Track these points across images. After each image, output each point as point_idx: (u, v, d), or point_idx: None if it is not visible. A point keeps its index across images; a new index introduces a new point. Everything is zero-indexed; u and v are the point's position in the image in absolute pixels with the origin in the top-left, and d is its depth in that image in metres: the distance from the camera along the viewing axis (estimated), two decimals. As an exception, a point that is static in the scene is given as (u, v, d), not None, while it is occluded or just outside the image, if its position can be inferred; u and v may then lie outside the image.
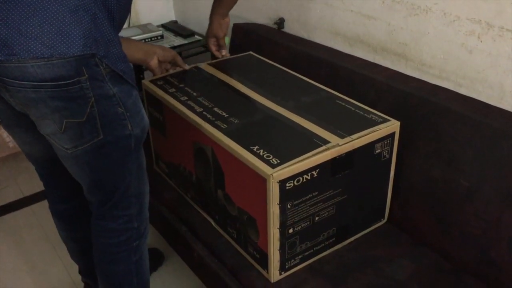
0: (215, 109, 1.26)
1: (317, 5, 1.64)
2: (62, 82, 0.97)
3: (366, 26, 1.50)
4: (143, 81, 1.46)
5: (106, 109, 1.04)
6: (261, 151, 1.08)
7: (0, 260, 1.86)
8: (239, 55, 1.64)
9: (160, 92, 1.37)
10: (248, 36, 1.83)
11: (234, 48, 1.85)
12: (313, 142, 1.10)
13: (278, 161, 1.05)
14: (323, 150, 1.08)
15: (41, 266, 1.81)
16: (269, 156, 1.06)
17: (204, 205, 1.37)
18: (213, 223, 1.35)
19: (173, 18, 2.51)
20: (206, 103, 1.29)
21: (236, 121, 1.20)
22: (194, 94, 1.34)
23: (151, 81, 1.43)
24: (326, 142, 1.11)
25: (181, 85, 1.39)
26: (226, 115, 1.23)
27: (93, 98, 1.01)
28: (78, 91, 0.99)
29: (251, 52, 1.64)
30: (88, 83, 0.99)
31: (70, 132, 1.05)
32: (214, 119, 1.22)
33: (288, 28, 1.81)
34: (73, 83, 0.98)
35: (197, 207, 1.41)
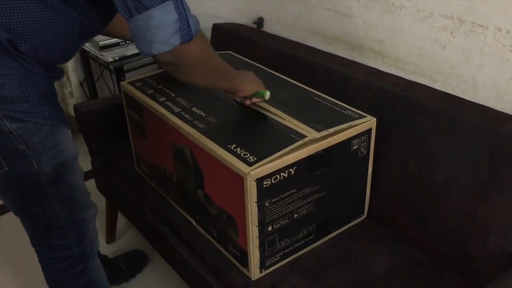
0: (193, 109, 1.27)
1: (295, 5, 1.65)
2: None
3: (343, 24, 1.51)
4: (121, 83, 1.46)
5: (5, 145, 1.03)
6: (238, 149, 1.09)
7: (-17, 266, 1.85)
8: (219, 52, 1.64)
9: (139, 94, 1.37)
10: (228, 36, 1.83)
11: (213, 47, 1.85)
12: (290, 137, 1.11)
13: (255, 159, 1.05)
14: (300, 146, 1.09)
15: (26, 270, 1.81)
16: (246, 154, 1.07)
17: (185, 206, 1.37)
18: (194, 223, 1.35)
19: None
20: (185, 103, 1.30)
21: (214, 120, 1.21)
22: (173, 94, 1.34)
23: (130, 83, 1.43)
24: (302, 136, 1.11)
25: (160, 86, 1.39)
26: (204, 115, 1.23)
27: None
28: None
29: (230, 52, 1.65)
30: None
31: None
32: (192, 119, 1.22)
33: (267, 27, 1.82)
34: None
35: (178, 207, 1.42)
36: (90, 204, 1.28)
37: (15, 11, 0.95)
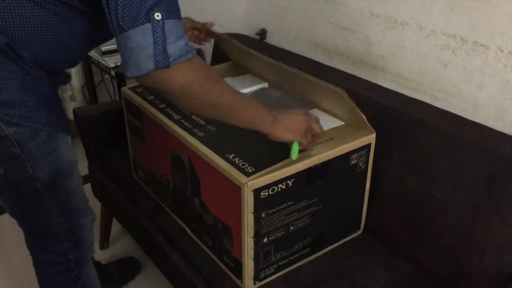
0: (193, 116, 1.26)
1: (298, 18, 1.66)
2: None
3: (345, 39, 1.52)
4: (122, 88, 1.46)
5: (0, 148, 1.02)
6: (237, 159, 1.09)
7: (-25, 267, 1.84)
8: (219, 64, 1.65)
9: (139, 100, 1.37)
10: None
11: (216, 58, 1.86)
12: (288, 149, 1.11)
13: (253, 169, 1.05)
14: (299, 159, 1.09)
15: (20, 272, 1.79)
16: (244, 165, 1.07)
17: (181, 213, 1.37)
18: (189, 231, 1.34)
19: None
20: (184, 111, 1.30)
21: (213, 129, 1.21)
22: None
23: (130, 89, 1.43)
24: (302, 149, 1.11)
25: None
26: (203, 123, 1.23)
27: None
28: None
29: (230, 62, 1.65)
30: None
31: None
32: (191, 126, 1.22)
33: (270, 39, 1.83)
34: None
35: (173, 215, 1.41)
36: (88, 211, 1.27)
37: (17, 16, 0.93)
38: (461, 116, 1.25)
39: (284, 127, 1.02)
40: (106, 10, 0.84)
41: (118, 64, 2.06)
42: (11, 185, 1.09)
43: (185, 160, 1.22)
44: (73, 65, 1.14)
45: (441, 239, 1.18)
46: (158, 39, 0.82)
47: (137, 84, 1.46)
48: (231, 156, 1.10)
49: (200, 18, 1.47)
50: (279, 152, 1.10)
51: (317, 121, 1.09)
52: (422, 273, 1.22)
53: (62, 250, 1.23)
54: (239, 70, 1.58)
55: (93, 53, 2.17)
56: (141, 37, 0.82)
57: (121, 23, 0.82)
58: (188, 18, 1.46)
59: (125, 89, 1.45)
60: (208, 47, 1.99)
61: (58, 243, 1.21)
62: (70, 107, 2.39)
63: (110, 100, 2.55)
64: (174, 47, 0.84)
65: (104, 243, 1.91)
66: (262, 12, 1.81)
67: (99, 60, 2.13)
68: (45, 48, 0.99)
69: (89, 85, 2.46)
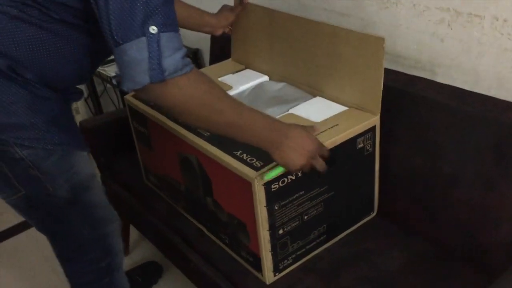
0: None
1: (291, 6, 1.65)
2: None
3: (340, 23, 1.51)
4: (125, 96, 1.47)
5: (17, 171, 1.03)
6: (244, 155, 1.10)
7: (2, 285, 1.87)
8: (219, 63, 1.66)
9: (142, 106, 1.38)
10: (228, 44, 1.84)
11: (214, 57, 1.86)
12: None
13: (262, 164, 1.06)
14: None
15: (45, 285, 1.82)
16: (252, 160, 1.08)
17: (195, 214, 1.38)
18: (205, 230, 1.36)
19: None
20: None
21: None
22: None
23: (133, 96, 1.45)
24: None
25: None
26: None
27: None
28: None
29: (229, 60, 1.66)
30: None
31: None
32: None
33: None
34: None
35: (188, 216, 1.43)
36: (112, 218, 1.28)
37: (13, 38, 0.93)
38: (463, 88, 1.25)
39: (288, 155, 0.98)
40: (100, 24, 0.84)
41: (119, 72, 2.07)
42: (33, 204, 1.11)
43: (194, 161, 1.23)
44: (82, 81, 1.13)
45: (454, 214, 1.19)
46: (153, 53, 0.82)
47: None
48: (239, 152, 1.11)
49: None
50: None
51: (321, 146, 1.04)
52: (438, 250, 1.22)
53: (92, 260, 1.24)
54: (239, 66, 1.59)
55: (93, 65, 2.19)
56: (136, 51, 0.81)
57: (115, 37, 0.82)
58: (227, 9, 1.47)
59: (128, 97, 1.46)
60: (205, 46, 2.00)
61: (88, 253, 1.23)
62: (76, 120, 2.42)
63: (115, 108, 2.58)
64: (170, 61, 0.83)
65: (124, 250, 1.92)
66: (254, 1, 1.81)
67: (100, 70, 2.15)
68: (47, 67, 0.98)
69: (93, 96, 2.48)
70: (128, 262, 1.89)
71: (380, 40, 1.14)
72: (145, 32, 0.81)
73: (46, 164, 1.04)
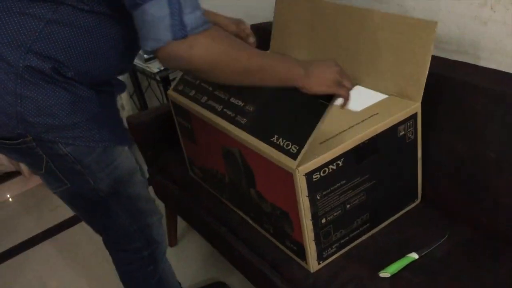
0: (232, 99, 1.26)
1: (329, -4, 1.65)
2: (8, 142, 1.03)
3: (379, 10, 1.50)
4: (168, 92, 1.51)
5: (62, 165, 1.08)
6: (280, 140, 1.09)
7: (60, 274, 1.98)
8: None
9: (183, 100, 1.41)
10: (268, 35, 1.85)
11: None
12: (318, 104, 1.07)
13: (297, 148, 1.04)
14: (346, 136, 1.11)
15: (100, 276, 1.92)
16: (288, 145, 1.07)
17: (240, 205, 1.42)
18: (250, 221, 1.39)
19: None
20: (223, 96, 1.29)
21: (252, 109, 1.20)
22: (210, 88, 1.34)
23: (174, 90, 1.47)
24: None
25: (198, 82, 1.40)
26: (242, 104, 1.23)
27: (44, 156, 1.05)
28: (28, 150, 1.04)
29: (270, 51, 1.67)
30: (34, 144, 1.03)
31: (42, 178, 1.13)
32: (233, 114, 1.23)
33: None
34: (18, 143, 1.02)
35: (233, 207, 1.46)
36: (154, 210, 1.33)
37: (55, 42, 0.96)
38: (508, 72, 1.22)
39: (317, 79, 1.03)
40: None
41: (162, 68, 2.13)
42: (78, 196, 1.17)
43: (236, 153, 1.26)
44: (121, 71, 1.16)
45: (500, 198, 1.17)
46: (174, 9, 0.83)
47: (176, 81, 1.49)
48: (275, 138, 1.10)
49: (235, 8, 1.47)
50: (308, 112, 1.08)
51: (346, 74, 1.08)
52: (485, 236, 1.21)
53: (136, 248, 1.31)
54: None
55: (137, 61, 2.25)
56: (157, 9, 0.83)
57: None
58: (242, 23, 1.38)
59: (170, 92, 1.50)
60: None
61: (132, 243, 1.29)
62: (122, 116, 2.50)
63: (159, 103, 2.64)
64: (191, 17, 0.84)
65: (173, 240, 2.00)
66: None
67: (143, 67, 2.21)
68: (88, 61, 1.02)
69: (138, 93, 2.55)
70: (176, 251, 1.96)
71: (433, 24, 1.13)
72: None
73: (88, 160, 1.09)
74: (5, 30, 0.93)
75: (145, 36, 0.86)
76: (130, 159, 1.21)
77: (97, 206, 1.19)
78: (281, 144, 1.09)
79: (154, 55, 0.89)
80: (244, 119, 1.21)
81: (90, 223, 1.29)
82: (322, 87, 1.03)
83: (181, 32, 0.84)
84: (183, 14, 0.84)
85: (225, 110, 1.27)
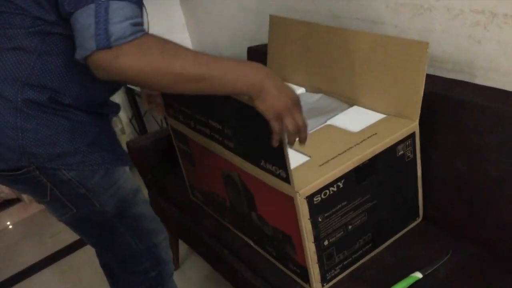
0: (210, 122, 1.23)
1: (325, 18, 1.67)
2: (12, 173, 1.04)
3: (374, 31, 1.52)
4: (167, 116, 1.52)
5: (67, 191, 1.09)
6: (268, 164, 1.08)
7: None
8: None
9: (177, 125, 1.42)
10: (264, 58, 1.87)
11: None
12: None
13: (285, 173, 1.03)
14: (345, 158, 1.12)
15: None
16: (276, 170, 1.05)
17: (242, 228, 1.42)
18: (252, 244, 1.39)
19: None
20: (203, 119, 1.26)
21: (230, 132, 1.17)
22: (189, 112, 1.32)
23: (168, 114, 1.46)
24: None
25: (177, 105, 1.37)
26: (220, 127, 1.20)
27: (49, 183, 1.06)
28: (32, 179, 1.05)
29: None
30: (37, 172, 1.04)
31: (46, 206, 1.14)
32: (221, 138, 1.22)
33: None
34: (22, 173, 1.03)
35: (235, 230, 1.46)
36: (160, 229, 1.33)
37: (46, 70, 0.98)
38: (503, 89, 1.23)
39: (272, 99, 0.92)
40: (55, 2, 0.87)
41: (160, 92, 2.13)
42: (85, 220, 1.18)
43: (236, 177, 1.26)
44: (115, 90, 1.16)
45: (503, 216, 1.17)
46: (100, 18, 0.82)
47: (167, 107, 1.45)
48: (263, 162, 1.10)
49: (232, 32, 1.49)
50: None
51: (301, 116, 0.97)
52: (489, 254, 1.20)
53: (144, 270, 1.30)
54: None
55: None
56: (85, 18, 0.83)
57: (66, 7, 0.85)
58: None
59: (169, 117, 1.51)
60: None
61: (139, 264, 1.29)
62: (122, 140, 2.51)
63: (159, 127, 2.65)
64: (119, 26, 0.82)
65: (174, 263, 1.98)
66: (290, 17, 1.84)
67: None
68: (81, 85, 1.03)
69: (137, 117, 2.56)
70: (178, 275, 1.94)
71: (424, 45, 1.15)
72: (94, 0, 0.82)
73: (92, 183, 1.10)
74: (0, 67, 0.95)
75: (76, 45, 0.85)
76: (131, 179, 1.22)
77: (104, 229, 1.20)
78: (271, 169, 1.09)
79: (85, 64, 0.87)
80: (231, 143, 1.20)
81: (97, 246, 1.29)
82: (270, 113, 0.93)
83: (105, 41, 0.82)
84: (109, 23, 0.82)
85: (212, 134, 1.25)
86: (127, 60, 0.83)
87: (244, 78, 0.92)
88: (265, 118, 0.94)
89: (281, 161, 1.02)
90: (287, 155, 0.99)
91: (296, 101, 0.96)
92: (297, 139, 0.99)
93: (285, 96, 0.94)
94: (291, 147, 0.99)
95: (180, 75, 0.87)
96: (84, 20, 0.83)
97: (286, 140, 0.97)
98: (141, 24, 0.87)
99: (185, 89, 0.90)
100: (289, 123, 0.94)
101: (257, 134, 1.04)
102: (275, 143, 0.96)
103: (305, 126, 0.98)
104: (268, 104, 0.92)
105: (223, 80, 0.90)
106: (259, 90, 0.92)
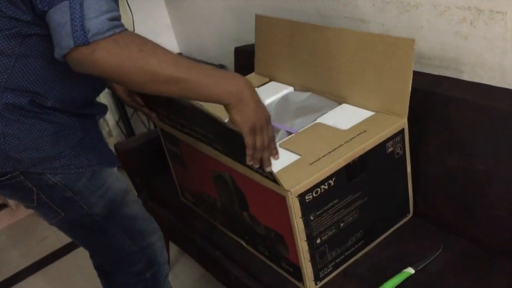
0: (194, 127, 1.23)
1: (312, 17, 1.68)
2: None
3: (361, 30, 1.53)
4: (156, 118, 1.51)
5: (53, 195, 1.08)
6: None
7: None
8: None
9: (165, 126, 1.41)
10: (251, 58, 1.87)
11: (238, 71, 1.89)
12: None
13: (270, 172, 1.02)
14: (336, 155, 1.12)
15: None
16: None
17: (233, 228, 1.41)
18: (244, 244, 1.39)
19: (177, 51, 2.58)
20: (184, 122, 1.26)
21: (213, 137, 1.17)
22: (173, 117, 1.31)
23: (157, 116, 1.45)
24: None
25: (160, 110, 1.35)
26: (204, 132, 1.20)
27: (34, 188, 1.05)
28: (17, 184, 1.04)
29: (253, 74, 1.69)
30: (22, 177, 1.03)
31: (35, 211, 1.13)
32: (208, 141, 1.21)
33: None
34: (7, 179, 1.02)
35: (227, 231, 1.45)
36: (154, 229, 1.30)
37: (25, 73, 0.96)
38: (490, 85, 1.25)
39: (249, 111, 0.92)
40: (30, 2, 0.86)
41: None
42: (75, 223, 1.16)
43: (227, 177, 1.26)
44: (100, 89, 1.15)
45: (493, 210, 1.18)
46: (75, 15, 0.81)
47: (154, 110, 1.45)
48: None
49: (219, 32, 1.49)
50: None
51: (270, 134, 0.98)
52: (479, 248, 1.21)
53: (138, 271, 1.28)
54: (263, 79, 1.62)
55: (122, 88, 2.25)
56: (60, 15, 0.82)
57: (40, 6, 0.84)
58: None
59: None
60: (229, 61, 2.03)
61: (133, 265, 1.27)
62: (110, 143, 2.48)
63: (146, 129, 2.64)
64: (95, 22, 0.81)
65: (165, 266, 1.97)
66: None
67: (129, 93, 2.21)
68: (63, 86, 1.01)
69: (124, 119, 2.54)
70: (169, 278, 1.93)
71: (410, 42, 1.15)
72: None
73: (78, 185, 1.08)
74: None
75: (54, 44, 0.85)
76: (120, 180, 1.20)
77: (95, 231, 1.18)
78: (258, 170, 1.07)
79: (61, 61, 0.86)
80: (218, 146, 1.19)
81: (90, 249, 1.27)
82: (245, 121, 0.92)
83: (82, 38, 0.81)
84: (85, 19, 0.81)
85: (199, 136, 1.25)
86: (104, 55, 0.82)
87: (223, 85, 0.91)
88: (239, 132, 0.94)
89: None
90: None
91: (269, 118, 0.97)
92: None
93: (262, 111, 0.94)
94: (255, 165, 1.00)
95: (156, 74, 0.86)
96: (59, 18, 0.82)
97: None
98: (119, 18, 0.86)
99: (162, 90, 0.89)
100: (259, 140, 0.95)
101: (236, 145, 1.03)
102: (249, 161, 0.97)
103: (272, 147, 0.99)
104: (245, 116, 0.92)
105: (201, 84, 0.89)
106: (238, 100, 0.91)
